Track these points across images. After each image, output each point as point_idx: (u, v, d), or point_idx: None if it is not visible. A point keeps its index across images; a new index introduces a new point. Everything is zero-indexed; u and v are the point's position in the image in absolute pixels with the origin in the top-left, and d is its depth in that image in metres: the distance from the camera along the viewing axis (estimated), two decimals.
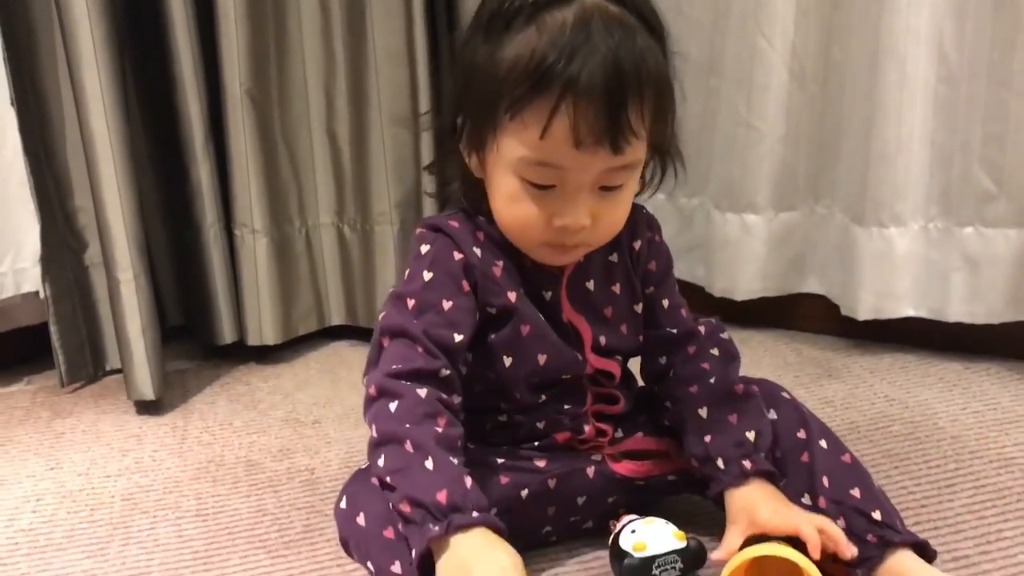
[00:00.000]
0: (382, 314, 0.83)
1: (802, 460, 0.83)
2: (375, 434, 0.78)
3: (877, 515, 0.79)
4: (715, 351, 0.91)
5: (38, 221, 1.31)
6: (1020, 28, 1.20)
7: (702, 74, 1.45)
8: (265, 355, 1.47)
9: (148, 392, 1.27)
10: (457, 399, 0.81)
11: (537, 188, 0.78)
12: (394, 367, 0.79)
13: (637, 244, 0.91)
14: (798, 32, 1.34)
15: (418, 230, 0.87)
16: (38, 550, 0.98)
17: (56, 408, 1.32)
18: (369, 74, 1.41)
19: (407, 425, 0.76)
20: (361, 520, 0.82)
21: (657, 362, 0.92)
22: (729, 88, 1.41)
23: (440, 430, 0.77)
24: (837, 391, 1.27)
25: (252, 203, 1.39)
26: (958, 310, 1.32)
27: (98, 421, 1.28)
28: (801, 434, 0.85)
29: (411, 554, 0.74)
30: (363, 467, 0.88)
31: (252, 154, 1.37)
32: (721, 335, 0.93)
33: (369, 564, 0.81)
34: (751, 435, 0.84)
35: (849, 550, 0.76)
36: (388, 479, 0.76)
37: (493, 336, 0.85)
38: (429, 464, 0.74)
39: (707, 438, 0.85)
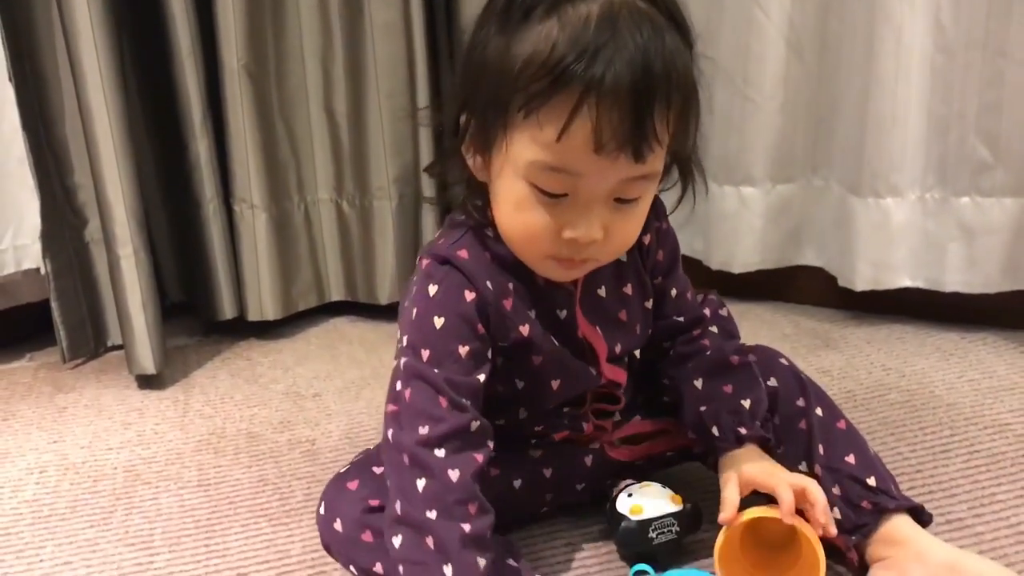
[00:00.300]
0: (396, 361, 0.78)
1: (800, 427, 0.84)
2: (398, 511, 0.72)
3: (872, 481, 0.80)
4: (714, 328, 0.91)
5: (38, 198, 1.31)
6: None
7: (698, 45, 1.44)
8: (265, 330, 1.47)
9: (149, 366, 1.28)
10: (489, 446, 0.76)
11: (547, 196, 0.71)
12: (423, 431, 0.73)
13: (647, 238, 0.85)
14: (795, 3, 1.34)
15: (424, 262, 0.80)
16: (41, 520, 0.99)
17: (58, 383, 1.33)
18: (366, 48, 1.41)
19: (433, 515, 0.71)
20: (338, 526, 0.81)
21: (661, 347, 0.91)
22: (726, 60, 1.40)
23: (468, 528, 0.71)
24: (834, 361, 1.28)
25: (251, 178, 1.39)
26: (955, 280, 1.32)
27: (100, 396, 1.29)
28: (800, 402, 0.85)
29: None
30: (341, 472, 0.85)
31: (250, 129, 1.37)
32: (720, 312, 0.93)
33: (352, 568, 0.82)
34: (746, 403, 0.84)
35: (824, 519, 0.75)
36: (401, 568, 0.71)
37: (504, 362, 0.81)
38: (448, 572, 0.69)
39: (702, 408, 0.85)
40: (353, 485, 0.82)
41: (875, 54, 1.27)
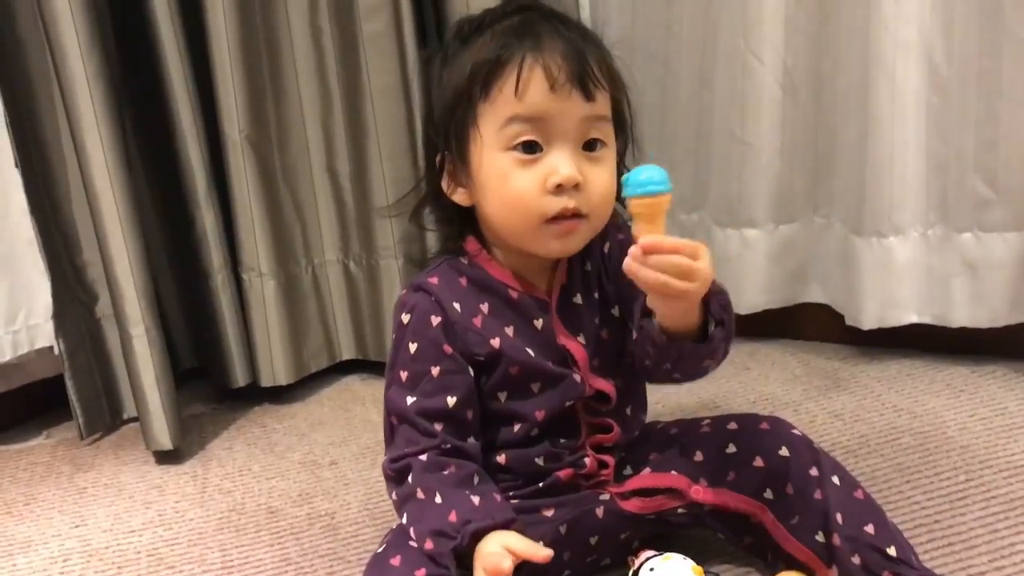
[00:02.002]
0: (385, 389, 0.89)
1: (815, 497, 0.83)
2: (396, 501, 0.86)
3: (892, 551, 0.80)
4: None
5: (48, 278, 1.33)
6: (1006, 37, 1.21)
7: (694, 91, 1.46)
8: (279, 395, 1.48)
9: (166, 442, 1.29)
10: (466, 443, 0.87)
11: (525, 153, 0.82)
12: (396, 453, 0.87)
13: (606, 247, 0.92)
14: (788, 48, 1.35)
15: (401, 292, 0.91)
16: None
17: (77, 462, 1.34)
18: (366, 110, 1.42)
19: (415, 481, 0.84)
20: (396, 562, 0.83)
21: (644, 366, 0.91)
22: (722, 105, 1.42)
23: (447, 473, 0.83)
24: (846, 403, 1.29)
25: (258, 246, 1.40)
26: (961, 315, 1.33)
27: (119, 473, 1.30)
28: (813, 471, 0.85)
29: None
30: (379, 551, 0.87)
31: (255, 198, 1.39)
32: None
33: None
34: None
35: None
36: (412, 532, 0.83)
37: (486, 379, 0.89)
38: (438, 499, 0.82)
39: None
40: (396, 561, 0.83)
41: (870, 96, 1.28)
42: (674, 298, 0.77)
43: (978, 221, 1.29)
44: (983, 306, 1.31)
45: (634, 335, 0.88)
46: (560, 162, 0.81)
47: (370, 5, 1.37)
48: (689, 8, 1.43)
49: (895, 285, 1.34)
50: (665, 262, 0.74)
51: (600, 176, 0.84)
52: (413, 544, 0.83)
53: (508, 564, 0.76)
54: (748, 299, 1.48)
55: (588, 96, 0.82)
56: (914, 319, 1.35)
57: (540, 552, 0.78)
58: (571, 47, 0.82)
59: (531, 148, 0.82)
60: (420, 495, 0.83)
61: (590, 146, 0.84)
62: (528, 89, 0.81)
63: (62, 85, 1.22)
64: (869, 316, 1.36)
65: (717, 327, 0.82)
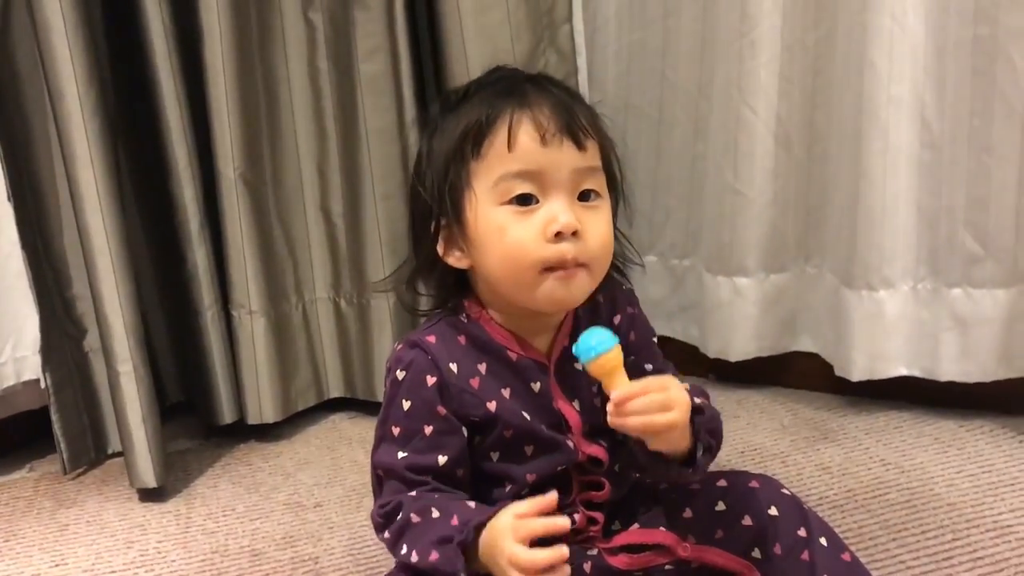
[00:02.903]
0: (374, 447, 0.89)
1: (802, 559, 0.84)
2: (390, 539, 0.85)
3: None
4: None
5: (37, 312, 1.32)
6: (997, 97, 1.22)
7: (688, 140, 1.48)
8: (265, 432, 1.47)
9: (150, 480, 1.28)
10: (455, 493, 0.86)
11: (521, 205, 0.82)
12: (384, 500, 0.87)
13: (617, 319, 0.93)
14: (782, 100, 1.36)
15: (397, 347, 0.90)
16: None
17: (59, 497, 1.33)
18: (362, 151, 1.42)
19: (407, 511, 0.84)
20: None
21: None
22: (715, 155, 1.43)
23: (439, 496, 0.84)
24: (833, 456, 1.29)
25: (248, 284, 1.40)
26: (950, 369, 1.33)
27: (102, 510, 1.29)
28: (802, 532, 0.85)
29: None
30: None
31: (247, 236, 1.38)
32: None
33: None
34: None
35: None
36: (415, 554, 0.82)
37: (480, 439, 0.88)
38: (435, 514, 0.82)
39: None
40: None
41: (862, 150, 1.29)
42: (664, 432, 0.79)
43: (968, 277, 1.30)
44: (972, 361, 1.32)
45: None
46: (559, 210, 0.82)
47: (368, 47, 1.38)
48: (684, 58, 1.45)
49: (884, 337, 1.35)
50: (641, 405, 0.77)
51: (597, 225, 0.84)
52: None
53: (536, 523, 0.76)
54: (738, 347, 1.48)
55: (579, 146, 0.83)
56: (903, 372, 1.36)
57: (547, 499, 0.78)
58: (557, 100, 0.84)
59: (526, 200, 0.83)
60: (415, 519, 0.83)
61: (584, 196, 0.85)
62: (519, 142, 0.82)
63: (58, 123, 1.21)
64: (858, 368, 1.36)
65: (705, 454, 0.84)
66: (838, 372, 1.40)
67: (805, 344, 1.49)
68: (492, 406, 0.87)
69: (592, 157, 0.85)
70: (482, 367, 0.88)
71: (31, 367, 1.37)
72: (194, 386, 1.49)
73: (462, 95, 0.88)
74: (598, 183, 0.86)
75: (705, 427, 0.83)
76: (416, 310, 0.96)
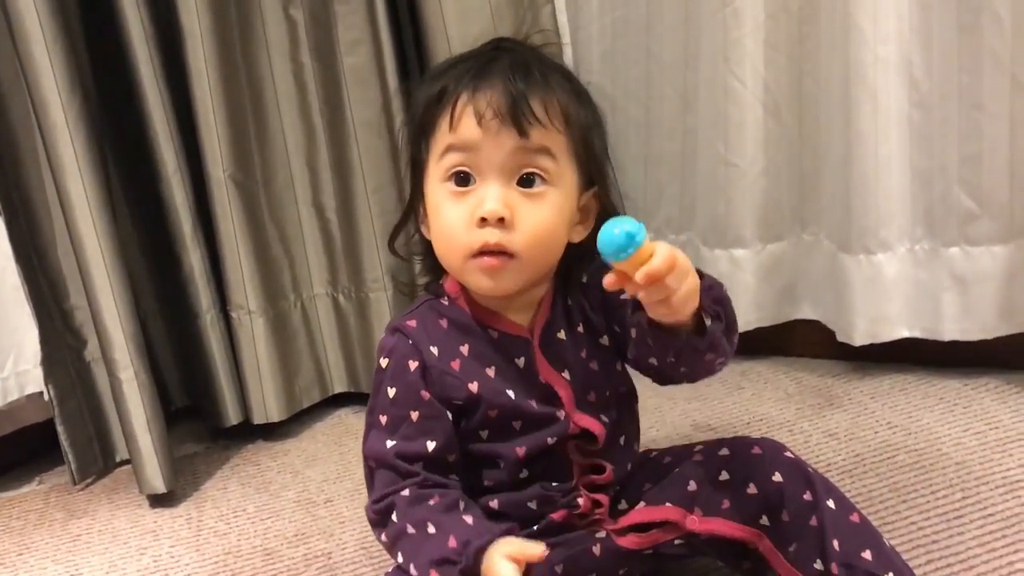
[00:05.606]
0: (364, 435, 0.89)
1: (811, 524, 0.83)
2: (387, 542, 0.85)
3: None
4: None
5: (36, 324, 1.32)
6: (985, 52, 1.21)
7: (678, 113, 1.47)
8: (272, 431, 1.47)
9: (159, 485, 1.28)
10: (448, 479, 0.87)
11: (458, 185, 0.82)
12: (377, 495, 0.86)
13: (584, 277, 0.91)
14: (768, 68, 1.35)
15: (383, 335, 0.90)
16: None
17: (70, 508, 1.33)
18: (350, 144, 1.42)
19: (402, 518, 0.83)
20: None
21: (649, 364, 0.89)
22: (706, 127, 1.42)
23: (433, 503, 0.83)
24: (840, 422, 1.28)
25: (245, 285, 1.40)
26: (952, 328, 1.33)
27: (113, 519, 1.29)
28: (807, 496, 0.84)
29: None
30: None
31: (241, 236, 1.38)
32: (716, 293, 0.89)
33: None
34: None
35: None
36: (412, 568, 0.81)
37: (465, 422, 0.88)
38: (432, 529, 0.81)
39: None
40: None
41: (852, 113, 1.28)
42: (692, 302, 0.76)
43: (964, 235, 1.29)
44: (973, 319, 1.32)
45: (633, 334, 0.86)
46: (486, 195, 0.81)
47: (350, 39, 1.37)
48: (668, 32, 1.43)
49: (885, 301, 1.34)
50: (675, 280, 0.73)
51: (533, 214, 0.82)
52: None
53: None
54: (739, 317, 1.46)
55: (521, 132, 0.80)
56: (905, 334, 1.35)
57: (535, 551, 0.77)
58: (509, 87, 0.81)
59: (464, 180, 0.83)
60: (411, 530, 0.83)
61: (527, 182, 0.82)
62: (460, 121, 0.82)
63: (43, 134, 1.21)
64: (860, 332, 1.36)
65: (715, 321, 0.81)
66: (840, 338, 1.40)
67: (806, 312, 1.48)
68: (474, 387, 0.87)
69: (538, 139, 0.81)
70: (464, 348, 0.88)
71: (34, 380, 1.37)
72: (198, 390, 1.49)
73: (446, 64, 0.89)
74: (544, 167, 0.82)
75: (710, 296, 0.81)
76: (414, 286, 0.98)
